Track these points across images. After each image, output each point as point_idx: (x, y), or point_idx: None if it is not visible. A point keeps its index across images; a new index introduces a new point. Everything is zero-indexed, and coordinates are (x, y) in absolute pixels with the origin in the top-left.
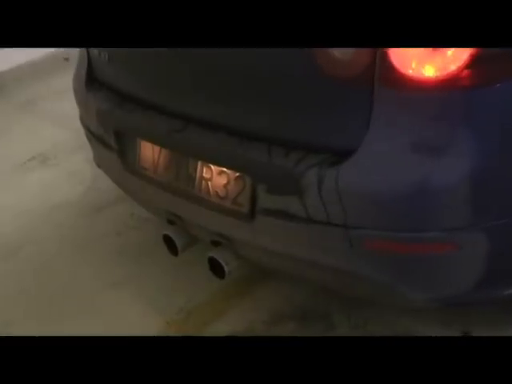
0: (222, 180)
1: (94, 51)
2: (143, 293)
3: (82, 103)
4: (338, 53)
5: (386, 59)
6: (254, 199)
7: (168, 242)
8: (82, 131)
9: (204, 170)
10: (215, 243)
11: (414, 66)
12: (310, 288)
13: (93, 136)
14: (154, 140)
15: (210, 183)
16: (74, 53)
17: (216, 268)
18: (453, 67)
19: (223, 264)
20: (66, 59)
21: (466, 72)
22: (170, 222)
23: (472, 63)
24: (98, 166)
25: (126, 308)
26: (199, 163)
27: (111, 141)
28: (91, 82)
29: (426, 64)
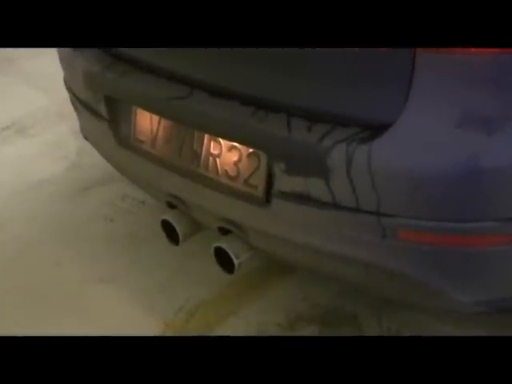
0: (233, 157)
1: None
2: (136, 289)
3: (66, 63)
4: None
5: None
6: (269, 180)
7: (167, 228)
8: (66, 96)
9: (211, 144)
10: (223, 231)
11: None
12: (333, 286)
13: (79, 102)
14: (152, 108)
15: (218, 160)
16: None
17: (223, 260)
18: None
19: (232, 256)
20: None
21: None
22: (170, 206)
23: None
24: (85, 138)
25: (116, 307)
26: (206, 137)
27: (101, 108)
28: None
29: None
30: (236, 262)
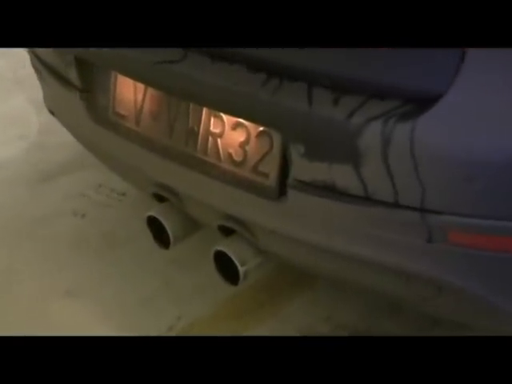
0: (238, 137)
1: None
2: (113, 305)
3: None
4: None
5: None
6: (284, 167)
7: (154, 227)
8: (26, 58)
9: (211, 121)
10: (225, 231)
11: None
12: (360, 300)
13: (43, 66)
14: (136, 75)
15: (219, 141)
16: None
17: (225, 268)
18: None
19: (236, 262)
20: None
21: None
22: (159, 199)
23: None
24: (51, 111)
25: (86, 328)
26: (204, 111)
27: (71, 74)
28: None
29: None
30: (241, 269)
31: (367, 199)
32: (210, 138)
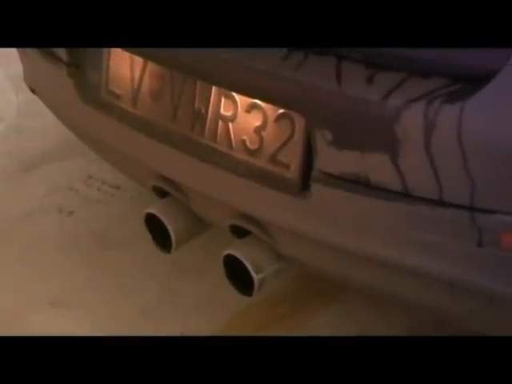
0: (254, 121)
1: None
2: (104, 317)
3: None
4: None
5: None
6: (308, 156)
7: (154, 228)
8: None
9: (222, 102)
10: (238, 232)
11: None
12: (396, 315)
13: None
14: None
15: (231, 126)
16: None
17: (237, 276)
18: None
19: (250, 269)
20: None
21: None
22: (160, 194)
23: None
24: (32, 89)
25: None
26: (214, 90)
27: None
28: None
29: None
30: (256, 277)
31: (406, 196)
32: (221, 122)
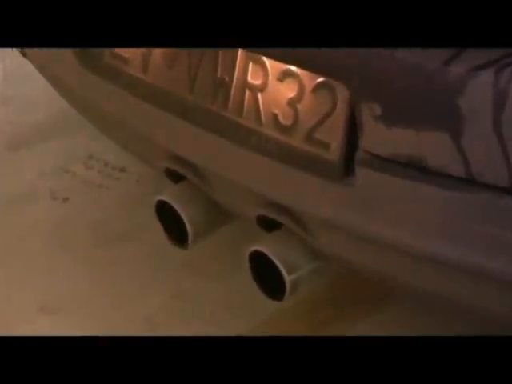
0: (287, 91)
1: None
2: (105, 325)
3: None
4: None
5: None
6: (352, 134)
7: (167, 217)
8: None
9: (249, 68)
10: (267, 224)
11: None
12: (457, 324)
13: None
14: None
15: (260, 97)
16: None
17: (265, 276)
18: None
19: (282, 268)
20: None
21: None
22: (174, 177)
23: None
24: (23, 53)
25: None
26: (240, 54)
27: None
28: None
29: None
30: (288, 279)
31: (471, 182)
32: (248, 93)
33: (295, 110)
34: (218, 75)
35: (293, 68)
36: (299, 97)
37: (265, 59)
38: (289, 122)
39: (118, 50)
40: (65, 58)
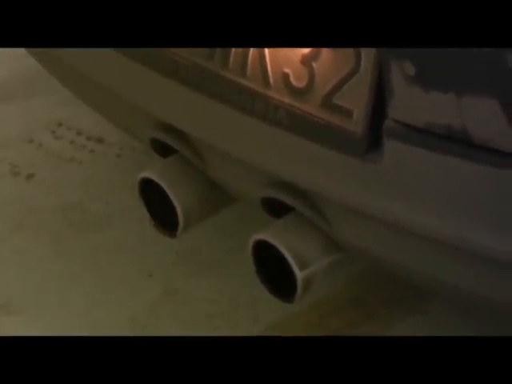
0: (299, 48)
1: None
2: (79, 326)
3: None
4: None
5: None
6: (378, 100)
7: (153, 199)
8: None
9: None
10: (274, 208)
11: None
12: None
13: None
14: None
15: (267, 54)
16: None
17: (273, 272)
18: None
19: (292, 263)
20: None
21: None
22: (161, 150)
23: None
24: None
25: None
26: None
27: None
28: None
29: None
30: (299, 275)
31: None
32: (252, 49)
33: (310, 70)
34: None
35: None
36: (315, 53)
37: None
38: (302, 84)
39: None
40: None
